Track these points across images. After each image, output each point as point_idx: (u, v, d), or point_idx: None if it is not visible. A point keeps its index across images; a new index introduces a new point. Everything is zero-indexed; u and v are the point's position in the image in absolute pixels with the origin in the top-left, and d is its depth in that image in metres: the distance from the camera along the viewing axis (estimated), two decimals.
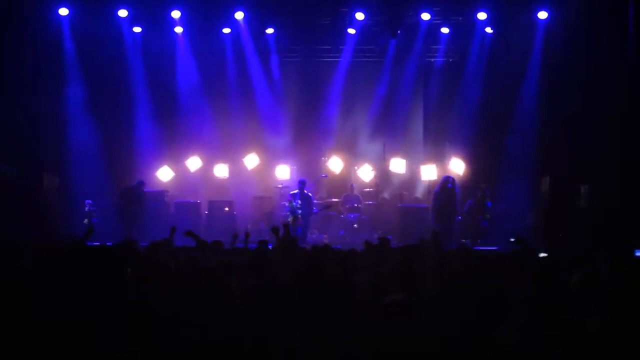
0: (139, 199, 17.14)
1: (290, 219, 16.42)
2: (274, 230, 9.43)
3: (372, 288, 5.49)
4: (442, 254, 7.68)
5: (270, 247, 8.68)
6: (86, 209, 17.00)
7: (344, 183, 18.94)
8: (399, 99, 19.44)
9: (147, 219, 17.01)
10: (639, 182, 14.52)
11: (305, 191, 16.85)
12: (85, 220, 16.68)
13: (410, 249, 7.37)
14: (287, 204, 16.82)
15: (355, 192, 18.54)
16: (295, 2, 17.77)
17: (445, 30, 18.35)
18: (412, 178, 19.16)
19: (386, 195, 19.14)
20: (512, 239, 7.92)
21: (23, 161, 16.70)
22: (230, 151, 19.28)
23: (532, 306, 4.26)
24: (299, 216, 16.52)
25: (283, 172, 18.87)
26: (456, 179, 17.07)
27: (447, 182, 16.48)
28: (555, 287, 4.94)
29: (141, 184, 17.37)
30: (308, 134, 19.49)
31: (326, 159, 19.12)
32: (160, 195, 18.24)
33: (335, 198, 18.57)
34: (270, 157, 19.26)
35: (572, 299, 4.57)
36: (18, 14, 16.68)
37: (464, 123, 18.61)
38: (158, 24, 18.44)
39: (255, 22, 18.45)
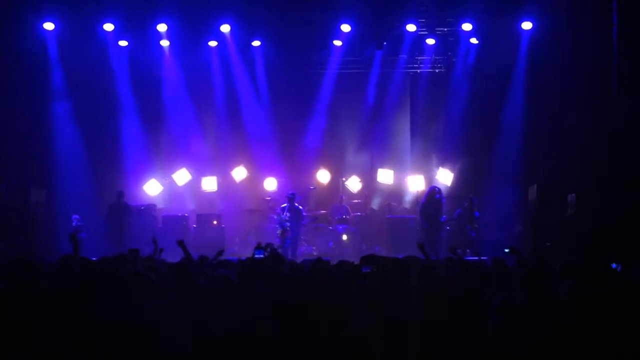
0: (124, 210, 17.10)
1: (279, 232, 16.43)
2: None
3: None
4: (430, 263, 7.66)
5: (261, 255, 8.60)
6: (73, 224, 16.90)
7: (332, 195, 18.95)
8: (385, 110, 19.51)
9: (134, 232, 16.95)
10: (626, 190, 14.56)
11: (296, 204, 16.82)
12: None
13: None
14: (276, 217, 16.81)
15: (344, 203, 18.53)
16: (281, 14, 17.79)
17: (430, 41, 18.43)
18: (400, 189, 19.19)
19: (374, 206, 19.16)
20: (507, 250, 7.95)
21: (9, 175, 16.60)
22: (218, 164, 19.26)
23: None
24: (288, 229, 16.49)
25: (271, 185, 18.86)
26: (443, 189, 17.14)
27: (434, 193, 16.48)
28: (544, 295, 4.96)
29: (121, 194, 17.32)
30: (296, 146, 19.50)
31: (314, 170, 19.13)
32: (147, 209, 18.16)
33: (323, 210, 18.56)
34: (258, 170, 19.25)
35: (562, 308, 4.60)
36: (3, 29, 16.63)
37: (450, 133, 18.68)
38: (144, 38, 18.43)
39: (242, 35, 18.46)
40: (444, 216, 16.80)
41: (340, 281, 6.36)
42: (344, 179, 19.01)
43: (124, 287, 5.29)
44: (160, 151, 19.38)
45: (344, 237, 17.62)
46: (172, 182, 18.99)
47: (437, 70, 19.41)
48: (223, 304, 5.03)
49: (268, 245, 9.72)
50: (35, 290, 4.71)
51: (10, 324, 3.81)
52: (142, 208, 18.00)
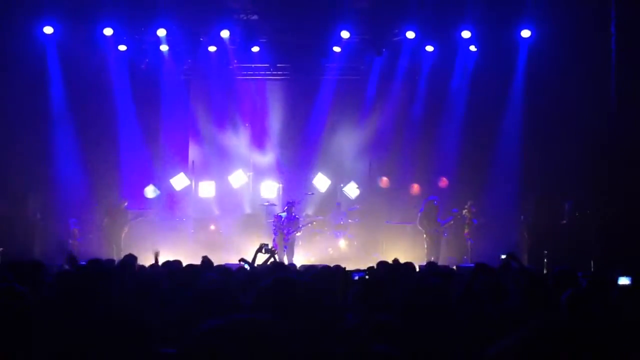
0: (121, 216, 17.08)
1: (276, 238, 16.43)
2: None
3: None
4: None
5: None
6: (70, 228, 16.89)
7: (331, 201, 18.94)
8: (384, 117, 19.50)
9: (132, 236, 16.93)
10: (624, 199, 14.59)
11: (292, 211, 16.82)
12: (71, 241, 16.59)
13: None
14: (273, 222, 16.81)
15: (342, 209, 18.51)
16: (281, 20, 17.83)
17: (430, 48, 18.45)
18: (397, 196, 19.17)
19: (372, 212, 19.12)
20: (504, 256, 7.89)
21: (7, 180, 16.57)
22: (216, 169, 19.26)
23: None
24: (285, 235, 16.50)
25: (269, 190, 18.85)
26: (441, 196, 17.23)
27: (432, 202, 16.70)
28: (545, 304, 4.95)
29: (123, 201, 17.34)
30: (294, 152, 19.50)
31: (312, 176, 19.12)
32: (145, 213, 18.13)
33: (321, 216, 18.54)
34: (257, 175, 19.26)
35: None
36: (2, 33, 16.62)
37: (449, 140, 18.66)
38: (143, 43, 18.45)
39: (241, 41, 18.47)
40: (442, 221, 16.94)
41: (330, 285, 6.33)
42: (342, 185, 18.99)
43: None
44: (159, 156, 19.37)
45: (342, 243, 17.61)
46: (171, 186, 18.96)
47: (435, 77, 19.38)
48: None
49: (272, 250, 9.76)
50: (46, 292, 4.74)
51: (24, 324, 3.82)
52: (140, 212, 17.97)
